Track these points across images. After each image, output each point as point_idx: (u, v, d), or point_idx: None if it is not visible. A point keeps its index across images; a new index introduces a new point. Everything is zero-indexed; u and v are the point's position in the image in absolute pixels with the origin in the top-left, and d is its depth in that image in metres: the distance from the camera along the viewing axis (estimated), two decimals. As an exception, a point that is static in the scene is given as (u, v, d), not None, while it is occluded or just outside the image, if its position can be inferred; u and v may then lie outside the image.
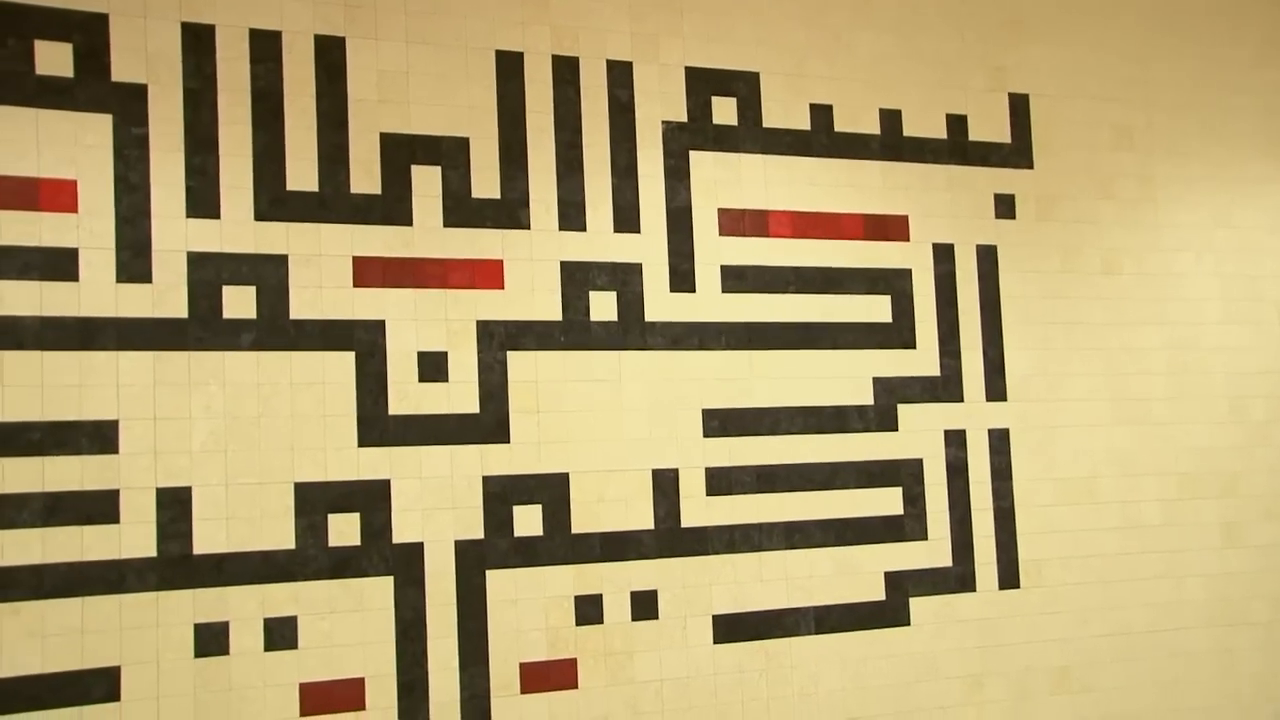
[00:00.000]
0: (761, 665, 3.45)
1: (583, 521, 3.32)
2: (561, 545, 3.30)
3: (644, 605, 3.36)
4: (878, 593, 3.59)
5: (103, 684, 2.87)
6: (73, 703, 2.84)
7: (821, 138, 3.69)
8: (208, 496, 3.01)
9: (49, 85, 2.95)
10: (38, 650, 2.82)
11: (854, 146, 3.72)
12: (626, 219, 3.46)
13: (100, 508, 2.92)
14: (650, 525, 3.39)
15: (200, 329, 3.04)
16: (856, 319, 3.66)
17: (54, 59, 2.96)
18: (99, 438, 2.93)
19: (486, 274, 3.29)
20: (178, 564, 2.96)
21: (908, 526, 3.65)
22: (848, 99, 3.73)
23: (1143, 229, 4.06)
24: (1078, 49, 4.05)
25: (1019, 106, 3.93)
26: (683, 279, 3.49)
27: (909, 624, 3.61)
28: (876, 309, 3.69)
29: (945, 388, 3.74)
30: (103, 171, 2.99)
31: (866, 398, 3.65)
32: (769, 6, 3.67)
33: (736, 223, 3.57)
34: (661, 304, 3.46)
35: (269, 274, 3.11)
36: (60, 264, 2.93)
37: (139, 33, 3.04)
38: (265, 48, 3.16)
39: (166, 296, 3.02)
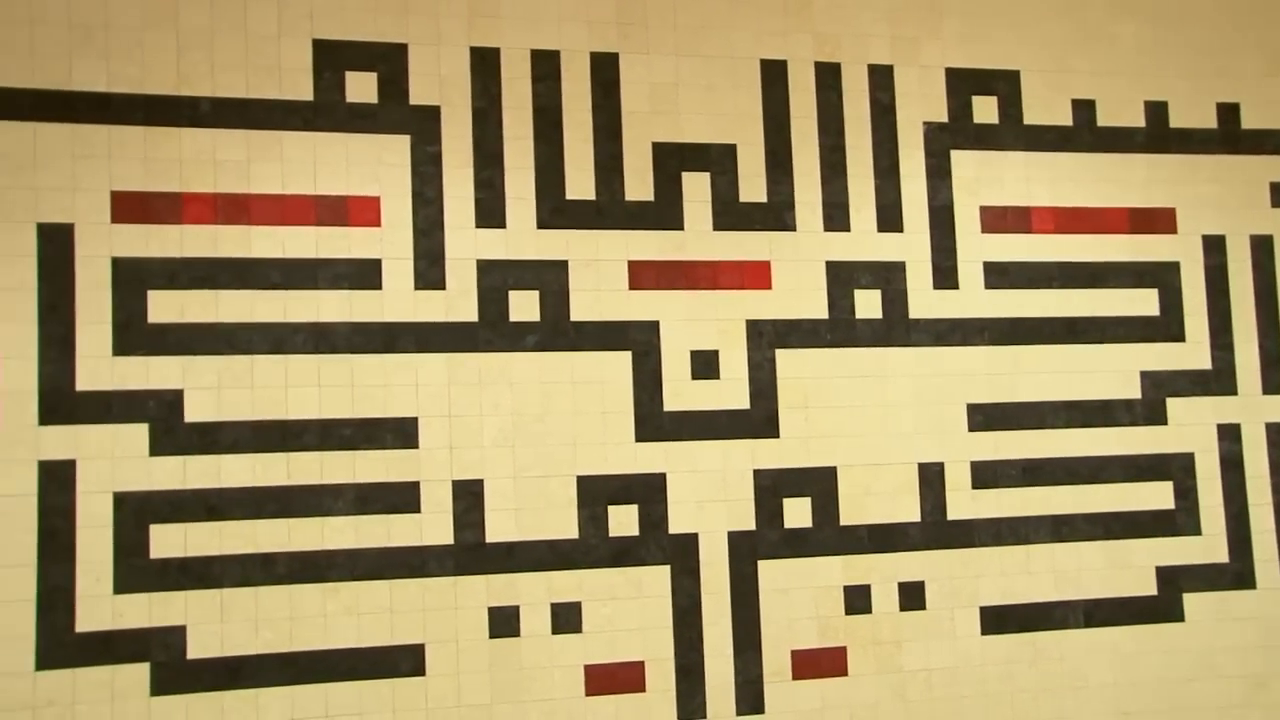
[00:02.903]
0: (1029, 657, 3.33)
1: (850, 514, 3.28)
2: (830, 537, 3.26)
3: (911, 596, 3.29)
4: (1149, 587, 3.42)
5: (410, 659, 2.99)
6: (384, 675, 2.98)
7: (1084, 133, 3.54)
8: (498, 489, 3.10)
9: (356, 111, 3.10)
10: (354, 626, 2.97)
11: (1118, 140, 3.56)
12: (889, 218, 3.39)
13: (403, 498, 3.04)
14: (916, 518, 3.32)
15: (489, 332, 3.12)
16: (1122, 313, 3.50)
17: (361, 87, 3.11)
18: (401, 434, 3.05)
19: (755, 275, 3.29)
20: (472, 551, 3.06)
21: (1179, 521, 3.46)
22: (1111, 93, 3.57)
23: None
24: (1362, 28, 3.76)
25: (1298, 91, 3.68)
26: (945, 276, 3.41)
27: (1183, 620, 3.43)
28: (1143, 302, 3.52)
29: (1218, 381, 3.53)
30: (402, 188, 3.12)
31: (1134, 391, 3.48)
32: (1028, 4, 3.55)
33: (999, 220, 3.46)
34: (925, 301, 3.39)
35: (551, 279, 3.17)
36: (366, 274, 3.07)
37: (433, 59, 3.16)
38: (545, 67, 3.23)
39: (458, 302, 3.12)
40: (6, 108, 2.92)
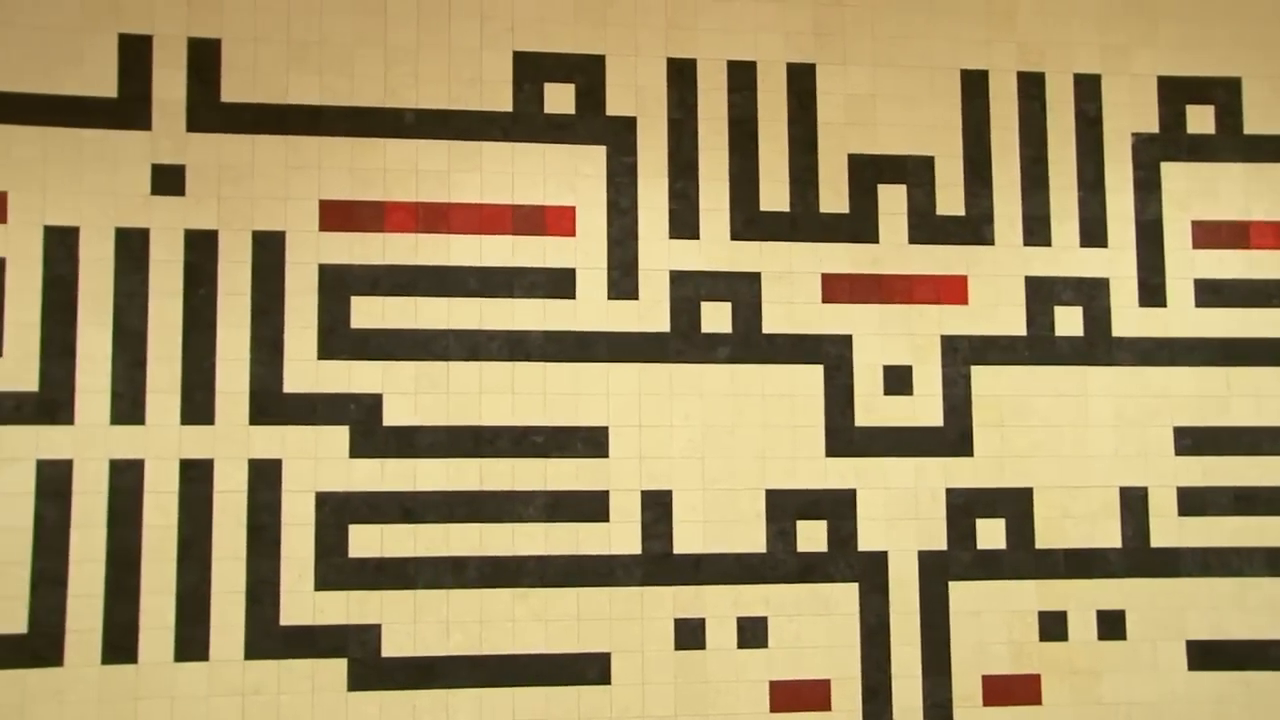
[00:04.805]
0: (1244, 698, 3.04)
1: (1046, 537, 3.06)
2: (1025, 560, 3.04)
3: (1111, 625, 3.05)
4: (1382, 631, 3.09)
5: (596, 668, 2.90)
6: (571, 682, 2.90)
7: (1312, 143, 3.23)
8: (686, 500, 2.99)
9: (554, 122, 3.04)
10: (542, 633, 2.90)
11: (1350, 150, 3.24)
12: (1093, 233, 3.16)
13: (593, 507, 2.96)
14: (1117, 544, 3.07)
15: (681, 342, 3.02)
16: (1349, 334, 3.18)
17: (559, 99, 3.05)
18: (592, 442, 2.97)
19: (951, 289, 3.10)
20: (659, 562, 2.96)
21: None
22: (1341, 100, 3.25)
23: None
24: None
25: None
26: (1153, 293, 3.15)
27: None
28: (1373, 324, 3.19)
29: None
30: (597, 198, 3.05)
31: (1360, 418, 3.15)
32: (1251, 6, 3.25)
33: (1212, 235, 3.19)
34: (1130, 319, 3.14)
35: (743, 291, 3.05)
36: (561, 282, 3.00)
37: (630, 70, 3.07)
38: (741, 77, 3.12)
39: (651, 312, 3.03)
40: (231, 122, 2.95)
